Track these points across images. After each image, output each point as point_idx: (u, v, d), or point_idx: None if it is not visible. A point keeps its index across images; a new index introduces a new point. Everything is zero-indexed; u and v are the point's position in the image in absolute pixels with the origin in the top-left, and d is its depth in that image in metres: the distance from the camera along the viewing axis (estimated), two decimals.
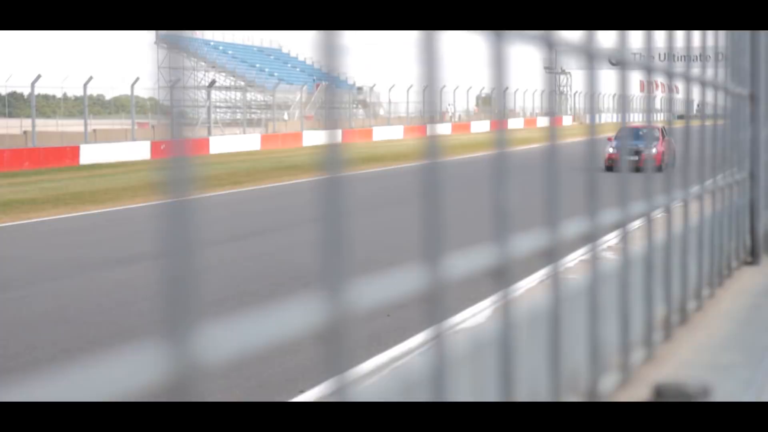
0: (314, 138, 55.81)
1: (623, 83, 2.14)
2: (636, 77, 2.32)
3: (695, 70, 2.80)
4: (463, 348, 1.43)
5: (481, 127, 72.11)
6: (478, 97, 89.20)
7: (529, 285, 9.77)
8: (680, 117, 2.84)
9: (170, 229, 0.83)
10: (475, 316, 11.19)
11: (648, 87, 2.41)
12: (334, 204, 1.03)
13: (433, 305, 1.21)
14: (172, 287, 0.83)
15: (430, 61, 1.25)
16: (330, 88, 1.06)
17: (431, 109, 1.28)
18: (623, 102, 2.18)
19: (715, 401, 1.94)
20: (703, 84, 2.88)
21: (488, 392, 1.47)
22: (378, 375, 1.25)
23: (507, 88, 1.53)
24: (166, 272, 0.83)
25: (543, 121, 1.72)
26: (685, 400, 1.95)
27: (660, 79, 2.51)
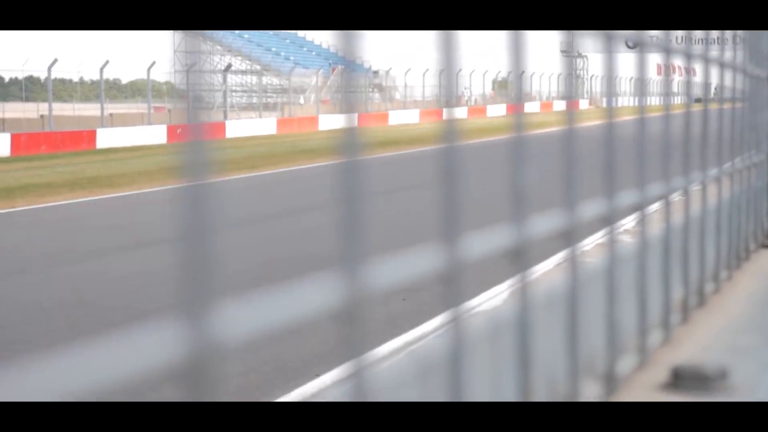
0: (330, 122, 55.81)
1: (641, 66, 2.13)
2: (653, 60, 2.31)
3: (713, 53, 2.78)
4: (481, 330, 1.43)
5: (498, 111, 71.88)
6: (494, 81, 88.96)
7: (547, 268, 9.75)
8: (698, 100, 2.82)
9: (188, 213, 0.83)
10: (491, 300, 11.17)
11: (665, 69, 2.40)
12: (352, 187, 1.03)
13: (451, 286, 1.21)
14: (190, 270, 0.83)
15: (448, 55, 1.25)
16: (348, 72, 1.06)
17: (448, 94, 1.28)
18: (641, 85, 2.17)
19: (719, 401, 1.94)
20: (722, 65, 2.86)
21: (506, 375, 1.47)
22: (395, 357, 1.25)
23: (523, 72, 1.53)
24: (184, 254, 0.83)
25: (559, 105, 1.72)
26: (704, 383, 1.94)
27: (678, 62, 2.49)
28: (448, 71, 1.28)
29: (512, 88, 1.51)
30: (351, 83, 1.05)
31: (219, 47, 72.06)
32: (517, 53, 1.47)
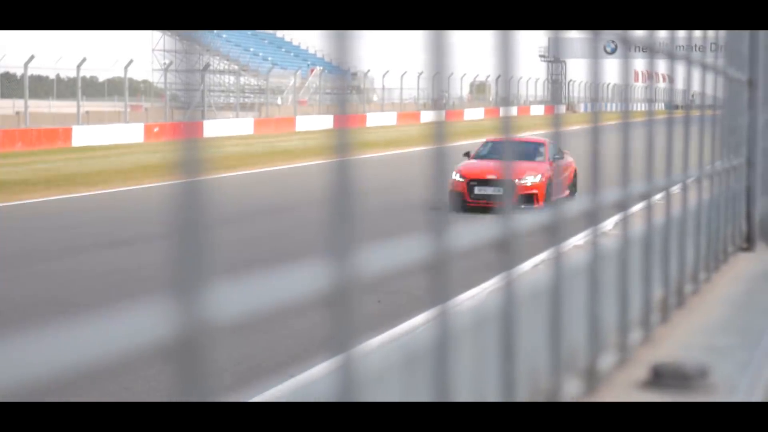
0: (307, 123, 55.75)
1: (625, 69, 2.14)
2: (633, 67, 2.32)
3: (695, 55, 2.80)
4: (466, 322, 1.43)
5: (475, 114, 71.88)
6: (471, 85, 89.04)
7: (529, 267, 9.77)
8: (677, 107, 2.83)
9: (176, 209, 0.83)
10: (477, 296, 11.18)
11: (647, 75, 2.41)
12: (341, 184, 1.03)
13: (438, 277, 1.21)
14: (181, 255, 0.83)
15: (438, 54, 1.25)
16: (338, 73, 1.06)
17: (438, 93, 1.28)
18: (625, 90, 2.18)
19: (704, 401, 1.95)
20: (704, 67, 2.88)
21: (489, 367, 1.47)
22: (381, 348, 1.25)
23: (499, 77, 1.54)
24: (175, 247, 0.83)
25: (536, 110, 1.73)
26: (684, 381, 1.95)
27: (657, 70, 2.50)
28: (438, 71, 1.28)
29: (491, 92, 1.52)
30: (343, 84, 1.06)
31: (197, 46, 71.69)
32: (505, 54, 1.48)
